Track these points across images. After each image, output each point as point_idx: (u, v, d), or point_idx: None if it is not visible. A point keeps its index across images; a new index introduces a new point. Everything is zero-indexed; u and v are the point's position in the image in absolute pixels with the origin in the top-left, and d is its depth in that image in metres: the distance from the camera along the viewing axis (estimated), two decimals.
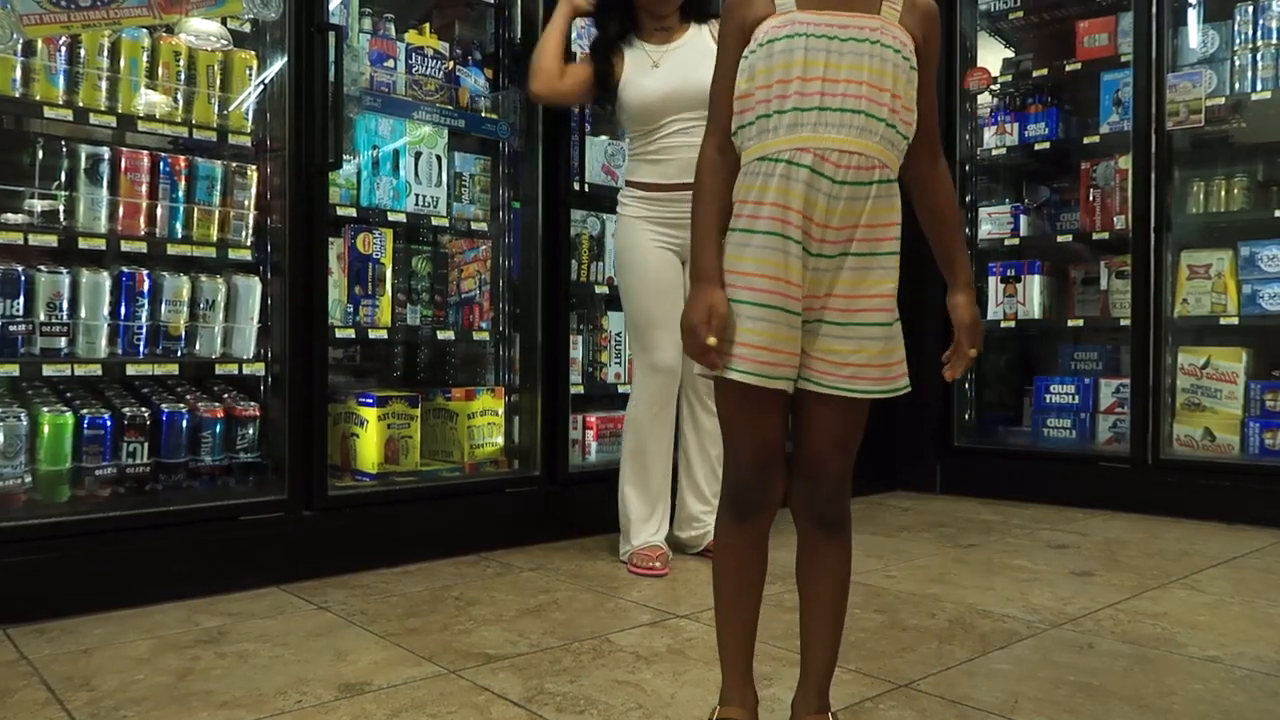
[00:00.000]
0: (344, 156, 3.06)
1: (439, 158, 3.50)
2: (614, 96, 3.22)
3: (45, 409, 2.72)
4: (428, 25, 3.63)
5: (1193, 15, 4.25)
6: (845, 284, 1.50)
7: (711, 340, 1.48)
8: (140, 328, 2.88)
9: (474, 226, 3.63)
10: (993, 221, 4.77)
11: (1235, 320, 4.05)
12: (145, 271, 2.90)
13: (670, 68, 3.14)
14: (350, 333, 3.27)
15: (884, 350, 1.52)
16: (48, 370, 2.73)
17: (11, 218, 2.72)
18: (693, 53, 3.16)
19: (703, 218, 1.57)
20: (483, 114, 3.62)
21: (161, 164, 2.92)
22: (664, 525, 3.19)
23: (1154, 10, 4.13)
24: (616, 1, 3.23)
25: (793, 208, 1.47)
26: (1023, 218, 4.71)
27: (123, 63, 2.86)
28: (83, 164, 2.80)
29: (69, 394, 2.89)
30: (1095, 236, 4.45)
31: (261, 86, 3.07)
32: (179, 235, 2.95)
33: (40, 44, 2.71)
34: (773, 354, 1.50)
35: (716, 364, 1.51)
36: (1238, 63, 4.12)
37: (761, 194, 1.50)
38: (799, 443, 1.60)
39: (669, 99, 3.09)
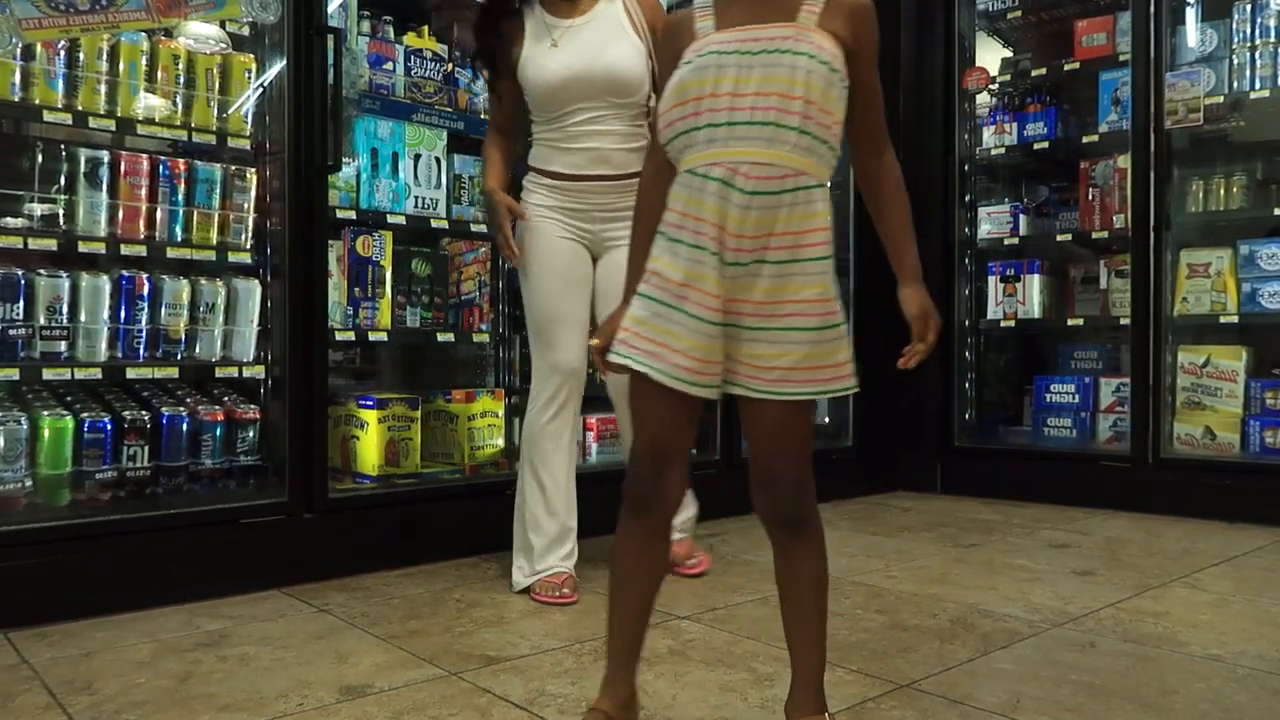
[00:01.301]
0: (343, 159, 3.06)
1: (438, 160, 3.50)
2: (507, 75, 2.84)
3: (45, 413, 2.72)
4: (426, 28, 3.63)
5: (1191, 14, 4.25)
6: (764, 291, 1.52)
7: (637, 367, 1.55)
8: (140, 331, 2.88)
9: (473, 228, 3.62)
10: (992, 221, 4.77)
11: (1235, 319, 4.05)
12: (145, 275, 2.90)
13: (573, 48, 2.74)
14: (350, 335, 3.27)
15: (814, 354, 1.53)
16: (48, 374, 2.74)
17: (11, 221, 2.72)
18: (602, 30, 2.78)
19: (639, 238, 1.63)
20: (482, 116, 3.62)
21: (161, 167, 2.92)
22: (574, 548, 2.83)
23: (1152, 9, 4.13)
24: None
25: (705, 219, 1.51)
26: (1022, 217, 4.71)
27: (122, 66, 2.87)
28: (82, 167, 2.80)
29: (69, 398, 2.89)
30: (1094, 235, 4.45)
31: (260, 89, 3.07)
32: (179, 238, 2.96)
33: (39, 48, 2.71)
34: (686, 357, 1.53)
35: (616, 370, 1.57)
36: (1236, 61, 4.12)
37: (684, 205, 1.55)
38: (753, 449, 1.62)
39: (571, 85, 2.73)
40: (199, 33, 3.02)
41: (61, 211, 2.80)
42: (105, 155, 2.84)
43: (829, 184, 1.55)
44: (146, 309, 2.89)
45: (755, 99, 1.49)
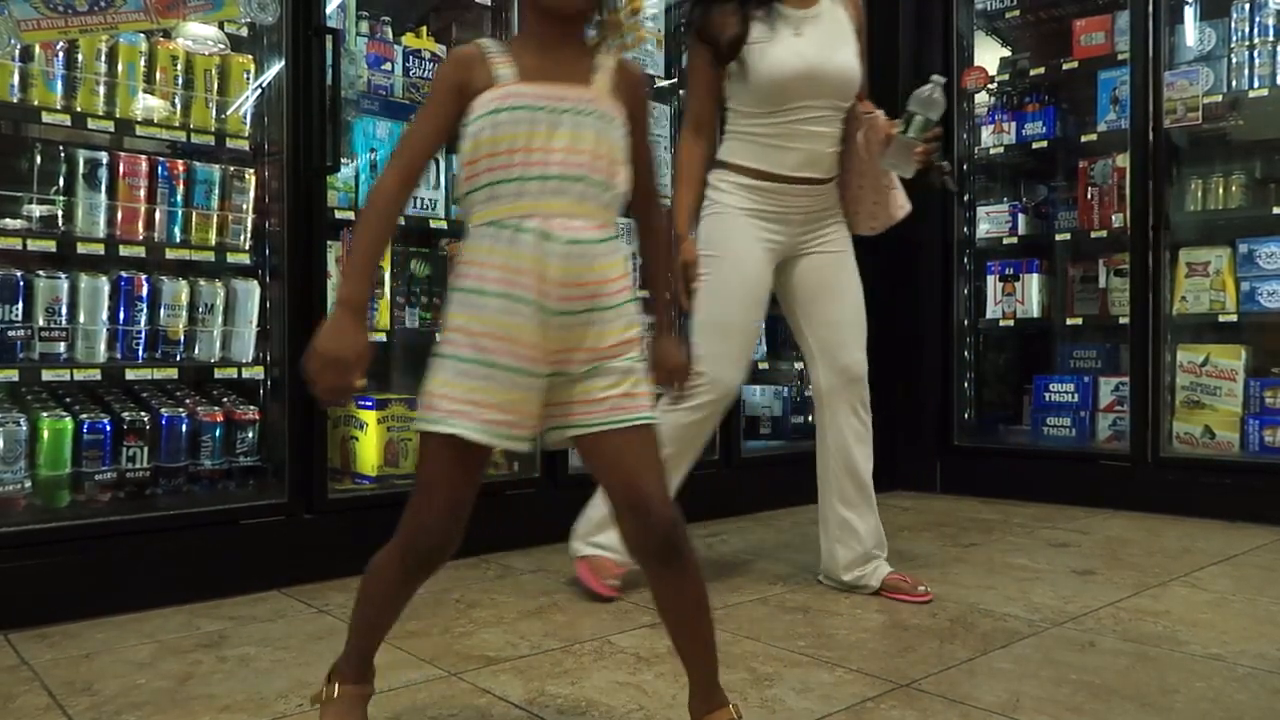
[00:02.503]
0: (342, 160, 3.06)
1: (437, 160, 3.49)
2: (733, 60, 2.67)
3: (45, 414, 2.72)
4: (424, 28, 3.63)
5: (1189, 13, 4.26)
6: (595, 335, 1.55)
7: (361, 383, 1.52)
8: (139, 332, 2.88)
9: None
10: (991, 220, 4.77)
11: (1234, 317, 4.05)
12: (144, 276, 2.90)
13: (813, 40, 2.65)
14: None
15: (641, 380, 1.59)
16: (47, 375, 2.74)
17: (10, 223, 2.72)
18: (835, 28, 2.71)
19: (370, 247, 1.58)
20: None
21: (160, 168, 2.92)
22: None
23: (1151, 8, 4.13)
24: None
25: (523, 270, 1.52)
26: (1021, 216, 4.71)
27: (120, 67, 2.86)
28: (81, 169, 2.80)
29: (68, 399, 2.89)
30: (1093, 235, 4.45)
31: (259, 90, 3.07)
32: (177, 239, 2.96)
33: (38, 49, 2.71)
34: (500, 412, 1.53)
35: (344, 403, 1.54)
36: (1235, 60, 4.12)
37: (489, 255, 1.53)
38: (610, 486, 1.60)
39: (810, 79, 2.62)
40: (197, 34, 3.02)
41: (60, 212, 2.80)
42: (104, 156, 2.84)
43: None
44: (145, 310, 2.89)
45: (567, 154, 1.53)
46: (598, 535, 2.78)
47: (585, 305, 1.54)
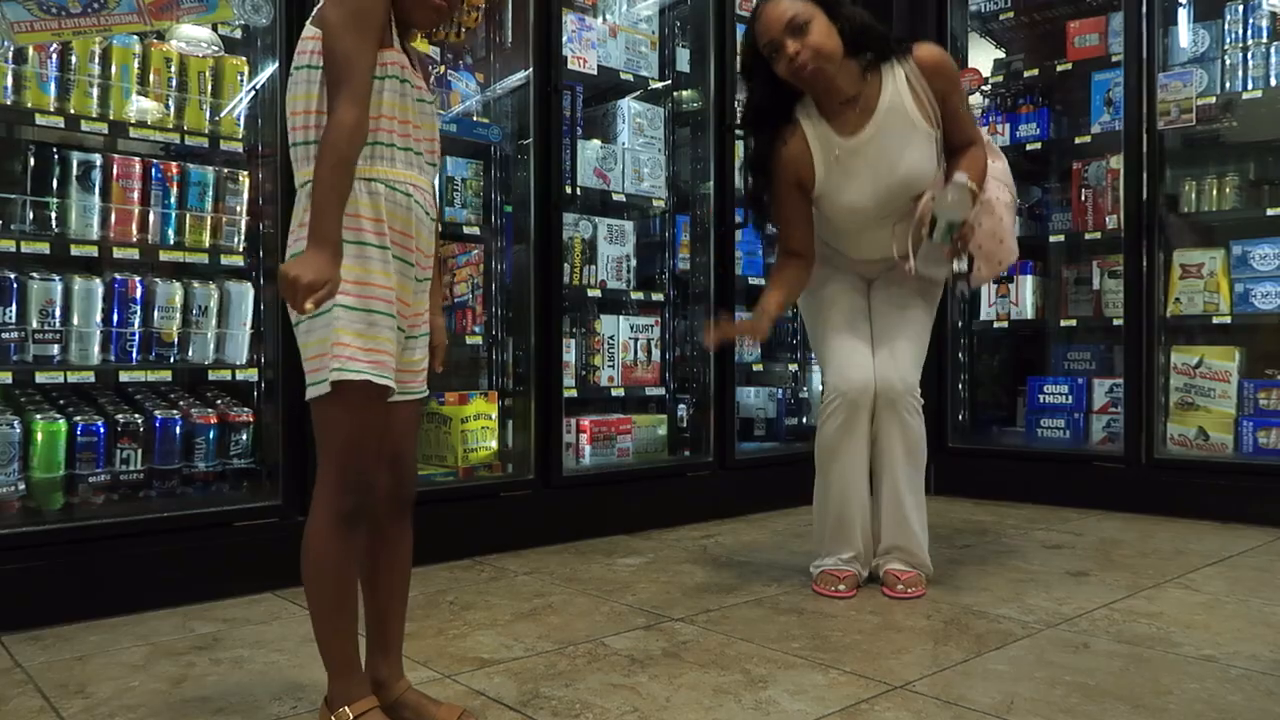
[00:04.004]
0: None
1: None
2: (794, 191, 2.74)
3: (38, 416, 2.72)
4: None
5: (1183, 14, 4.26)
6: (420, 303, 1.75)
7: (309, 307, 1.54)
8: (133, 334, 2.87)
9: (466, 230, 3.63)
10: None
11: (1228, 319, 4.06)
12: (138, 278, 2.89)
13: (865, 171, 2.63)
14: None
15: (425, 357, 1.80)
16: (41, 377, 2.73)
17: (3, 225, 2.72)
18: (892, 137, 2.61)
19: (341, 186, 1.58)
20: (474, 118, 3.62)
21: (153, 170, 2.92)
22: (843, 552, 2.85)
23: (1144, 10, 4.14)
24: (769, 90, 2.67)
25: (410, 234, 1.69)
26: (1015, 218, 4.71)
27: (114, 69, 2.86)
28: (74, 171, 2.79)
29: (62, 401, 2.89)
30: (1087, 236, 4.46)
31: (253, 92, 3.07)
32: (171, 241, 2.95)
33: (31, 51, 2.71)
34: (395, 363, 1.66)
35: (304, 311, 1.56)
36: (1228, 62, 4.13)
37: (381, 214, 1.65)
38: (388, 443, 1.73)
39: (872, 215, 2.70)
40: (191, 35, 3.01)
41: (54, 215, 2.79)
42: (98, 158, 2.83)
43: None
44: (139, 312, 2.88)
45: (426, 132, 1.74)
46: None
47: (426, 274, 1.78)
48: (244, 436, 3.04)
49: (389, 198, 1.65)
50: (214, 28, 3.04)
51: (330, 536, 1.65)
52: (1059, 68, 4.56)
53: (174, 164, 2.97)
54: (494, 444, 3.56)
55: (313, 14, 1.65)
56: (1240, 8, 4.10)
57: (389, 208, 1.65)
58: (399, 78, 1.67)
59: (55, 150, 2.81)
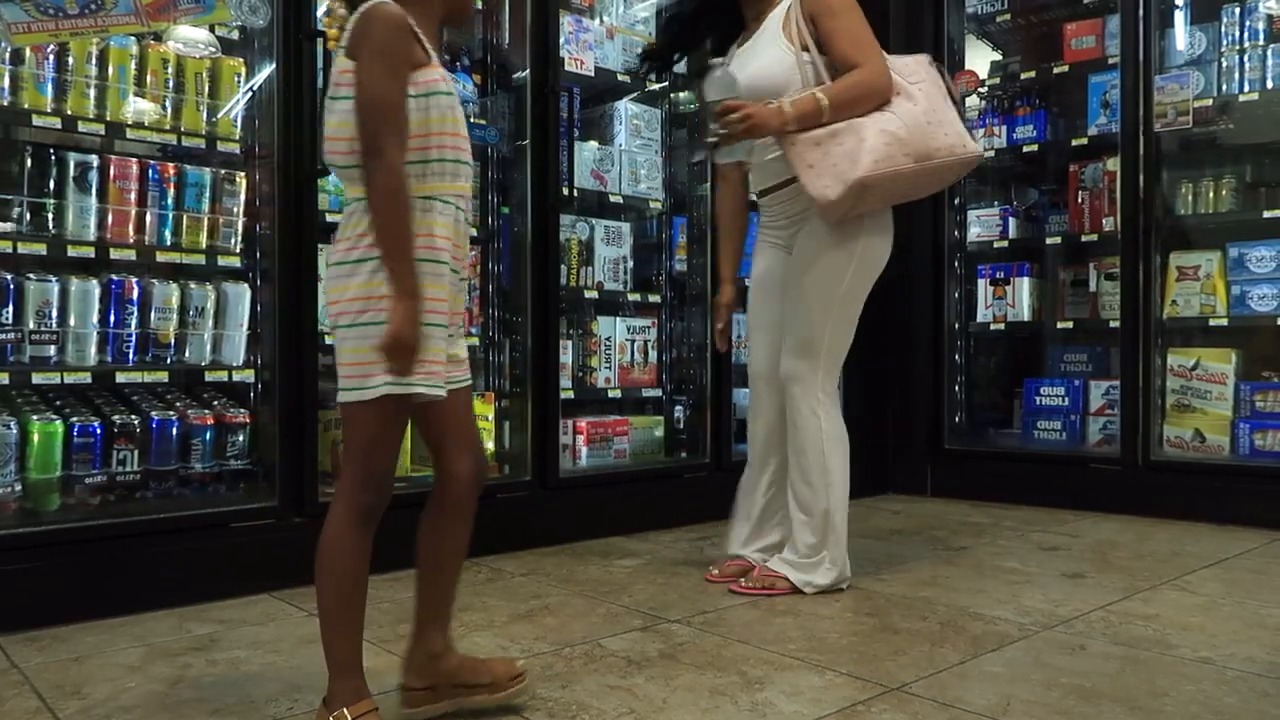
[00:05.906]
0: None
1: None
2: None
3: (35, 417, 2.72)
4: None
5: (1180, 17, 4.27)
6: (460, 301, 1.83)
7: None
8: (130, 335, 2.87)
9: None
10: (981, 224, 4.78)
11: (1224, 321, 4.06)
12: (135, 279, 2.89)
13: (736, 67, 2.82)
14: None
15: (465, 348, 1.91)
16: (37, 378, 2.73)
17: (0, 225, 2.71)
18: (755, 47, 2.85)
19: (408, 230, 1.66)
20: (471, 120, 3.62)
21: (150, 171, 2.92)
22: (740, 538, 3.07)
23: (1141, 12, 4.15)
24: (709, 10, 3.00)
25: (459, 244, 1.76)
26: (1011, 220, 4.73)
27: (111, 70, 2.86)
28: (71, 172, 2.79)
29: (59, 402, 2.89)
30: (1084, 238, 4.46)
31: (250, 93, 3.07)
32: (168, 242, 2.95)
33: (28, 52, 2.71)
34: (441, 366, 1.73)
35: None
36: (1225, 64, 4.14)
37: (435, 229, 1.71)
38: (453, 431, 1.87)
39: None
40: (188, 37, 3.01)
41: (51, 216, 2.79)
42: (95, 159, 2.83)
43: None
44: (136, 313, 2.88)
45: (466, 141, 1.77)
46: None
47: (464, 276, 1.85)
48: (241, 437, 3.04)
49: (442, 212, 1.72)
50: (211, 29, 3.04)
51: (345, 532, 1.70)
52: (1056, 70, 4.57)
53: (171, 165, 2.97)
54: (491, 445, 3.55)
55: (345, 46, 1.68)
56: (1237, 10, 4.11)
57: (442, 221, 1.72)
58: (443, 92, 1.71)
59: (52, 151, 2.81)
